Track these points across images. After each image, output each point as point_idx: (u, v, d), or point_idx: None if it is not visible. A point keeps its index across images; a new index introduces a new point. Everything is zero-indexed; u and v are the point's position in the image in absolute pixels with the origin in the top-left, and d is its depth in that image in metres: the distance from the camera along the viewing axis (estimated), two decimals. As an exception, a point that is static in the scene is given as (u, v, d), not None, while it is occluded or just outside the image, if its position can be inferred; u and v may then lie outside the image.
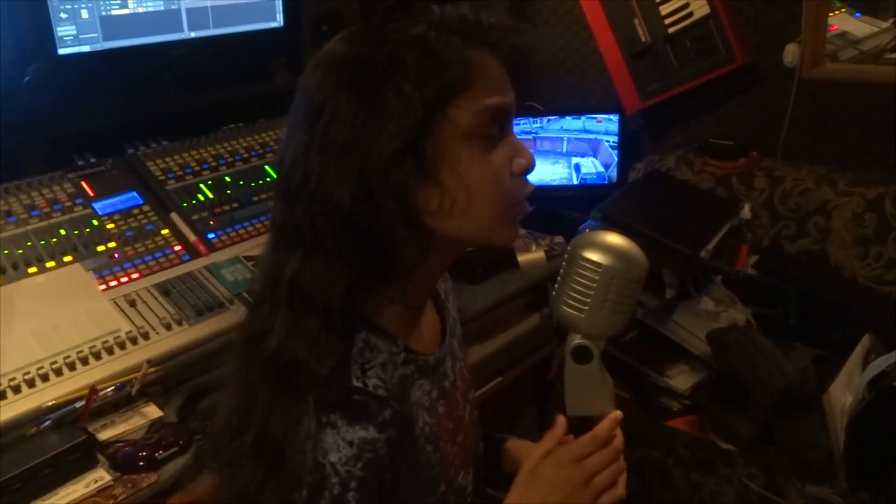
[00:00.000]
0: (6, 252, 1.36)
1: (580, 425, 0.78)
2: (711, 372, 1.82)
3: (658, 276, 2.04)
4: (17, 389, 1.17)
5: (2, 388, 1.16)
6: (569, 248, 0.73)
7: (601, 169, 2.28)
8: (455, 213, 0.73)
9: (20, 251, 1.37)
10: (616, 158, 2.26)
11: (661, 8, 2.11)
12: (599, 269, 0.70)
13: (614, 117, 2.24)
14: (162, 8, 1.83)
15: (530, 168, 0.78)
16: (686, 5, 2.09)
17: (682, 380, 1.84)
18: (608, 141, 2.25)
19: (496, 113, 0.74)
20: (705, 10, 2.06)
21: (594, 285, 0.70)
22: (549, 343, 1.83)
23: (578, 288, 0.71)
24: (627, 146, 2.26)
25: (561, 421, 0.80)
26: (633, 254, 0.71)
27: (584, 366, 0.75)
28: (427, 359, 0.83)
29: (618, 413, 0.79)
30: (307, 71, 0.75)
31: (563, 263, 0.73)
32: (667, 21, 2.11)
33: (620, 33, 2.18)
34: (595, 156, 2.27)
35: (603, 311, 0.71)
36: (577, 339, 0.75)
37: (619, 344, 1.93)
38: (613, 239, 0.72)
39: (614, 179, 2.27)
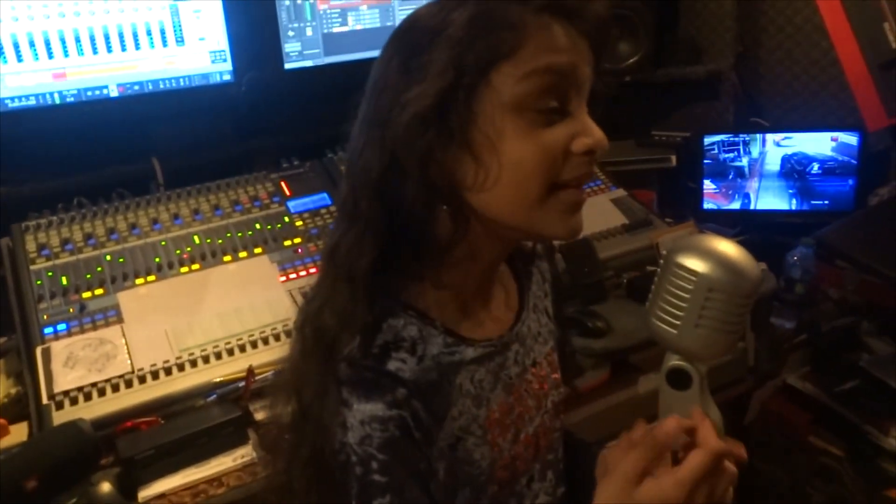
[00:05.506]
0: (208, 241, 1.51)
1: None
2: (952, 440, 1.51)
3: (894, 319, 1.74)
4: (194, 363, 1.29)
5: (182, 361, 1.29)
6: (664, 252, 0.63)
7: (834, 193, 2.00)
8: (487, 188, 0.68)
9: (220, 241, 1.51)
10: (853, 182, 1.97)
11: (918, 9, 1.82)
12: (695, 278, 0.59)
13: (854, 136, 1.96)
14: (378, 25, 1.93)
15: (596, 149, 0.68)
16: (952, 4, 1.78)
17: (910, 444, 1.55)
18: (845, 162, 1.97)
19: (548, 77, 0.66)
20: (977, 8, 1.74)
21: (688, 296, 0.59)
22: (744, 380, 1.63)
23: (670, 299, 0.61)
24: (868, 169, 1.96)
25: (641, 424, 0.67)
26: (741, 263, 0.59)
27: (682, 392, 0.64)
28: (477, 345, 0.77)
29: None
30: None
31: (658, 269, 0.63)
32: (925, 24, 1.82)
33: (866, 40, 1.91)
34: (828, 178, 2.00)
35: (700, 329, 0.60)
36: (673, 360, 0.64)
37: (835, 393, 1.67)
38: (719, 244, 0.60)
39: (849, 206, 1.98)
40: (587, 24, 0.68)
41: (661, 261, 0.63)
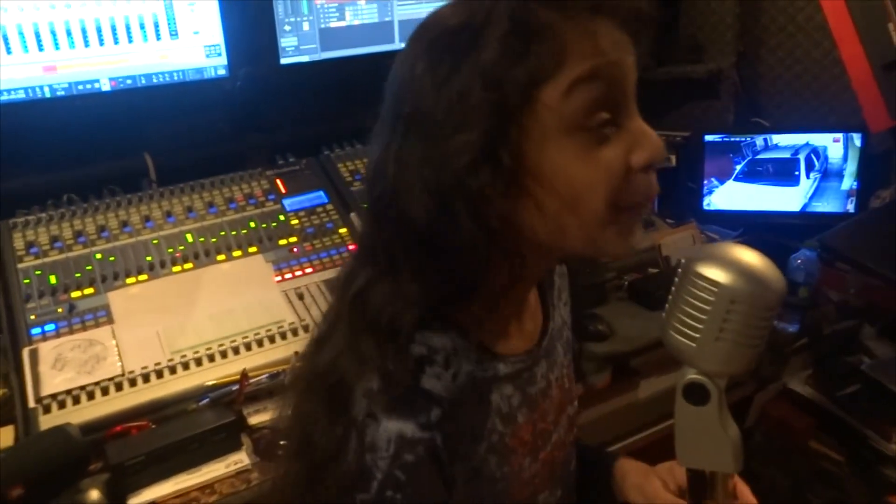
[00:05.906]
0: (202, 240, 1.48)
1: (694, 480, 0.64)
2: (955, 446, 1.50)
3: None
4: (186, 366, 1.26)
5: (174, 363, 1.25)
6: (682, 260, 0.60)
7: (835, 195, 1.98)
8: (546, 220, 0.62)
9: (214, 239, 1.48)
10: (855, 184, 1.95)
11: (923, 9, 1.80)
12: (716, 290, 0.56)
13: (857, 136, 1.94)
14: (376, 20, 1.90)
15: (654, 160, 0.62)
16: (957, 5, 1.76)
17: (913, 450, 1.54)
18: (847, 164, 1.95)
19: (593, 86, 0.59)
20: (983, 9, 1.72)
21: (708, 308, 0.57)
22: (744, 384, 1.61)
23: (689, 311, 0.58)
24: (871, 171, 1.94)
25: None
26: (765, 274, 0.57)
27: (699, 408, 0.61)
28: (508, 361, 0.72)
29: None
30: (403, 48, 0.65)
31: (676, 279, 0.60)
32: (930, 25, 1.79)
33: (869, 41, 1.88)
34: (827, 180, 1.98)
35: (720, 343, 0.57)
36: (690, 375, 0.61)
37: (837, 397, 1.66)
38: (741, 253, 0.57)
39: (851, 209, 1.96)
40: (628, 13, 0.62)
41: (679, 269, 0.60)
